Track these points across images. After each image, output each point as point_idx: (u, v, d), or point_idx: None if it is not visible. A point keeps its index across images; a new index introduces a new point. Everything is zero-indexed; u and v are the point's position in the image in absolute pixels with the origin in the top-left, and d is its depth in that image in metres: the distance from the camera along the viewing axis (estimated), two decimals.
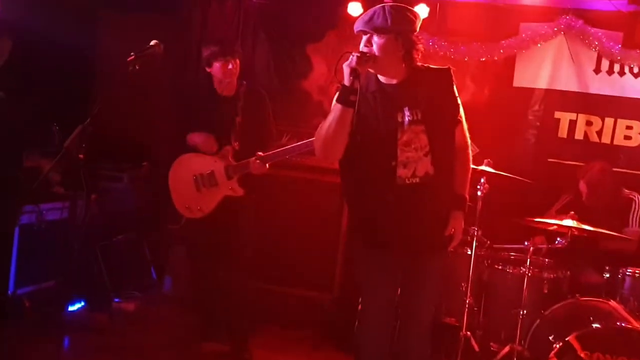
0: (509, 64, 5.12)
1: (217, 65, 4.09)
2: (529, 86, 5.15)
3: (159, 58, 3.02)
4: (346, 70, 2.59)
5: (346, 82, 2.59)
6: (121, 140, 5.43)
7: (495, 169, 4.22)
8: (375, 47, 2.69)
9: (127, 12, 5.71)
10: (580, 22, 4.88)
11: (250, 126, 4.17)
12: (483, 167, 4.16)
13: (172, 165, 4.28)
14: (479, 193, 4.11)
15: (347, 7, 5.15)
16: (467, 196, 2.95)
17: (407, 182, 2.74)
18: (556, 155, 5.10)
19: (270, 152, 4.07)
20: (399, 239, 2.80)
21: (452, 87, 2.83)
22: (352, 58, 2.60)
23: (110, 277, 4.98)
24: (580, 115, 5.04)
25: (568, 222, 3.89)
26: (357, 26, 2.77)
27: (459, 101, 2.86)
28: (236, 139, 4.14)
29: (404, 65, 2.79)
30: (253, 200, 4.20)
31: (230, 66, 4.09)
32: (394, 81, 2.79)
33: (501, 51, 5.02)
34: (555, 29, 4.94)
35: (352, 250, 3.17)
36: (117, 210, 5.29)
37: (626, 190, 4.52)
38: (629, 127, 4.94)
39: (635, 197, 4.46)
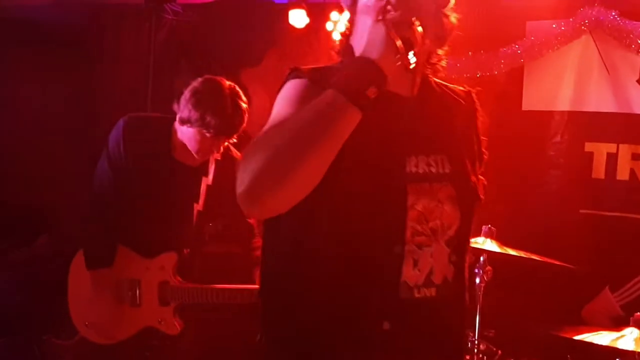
0: (516, 79, 4.40)
1: (193, 132, 2.88)
2: (545, 109, 4.48)
3: None
4: (383, 33, 1.48)
5: (377, 55, 1.47)
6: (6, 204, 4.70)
7: (502, 243, 3.18)
8: None
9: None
10: (613, 13, 4.06)
11: (220, 215, 3.12)
12: (481, 240, 3.13)
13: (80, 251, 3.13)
14: (477, 280, 3.06)
15: (287, 17, 4.41)
16: None
17: (417, 295, 1.64)
18: (592, 205, 4.33)
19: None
20: None
21: (478, 125, 1.87)
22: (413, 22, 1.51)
23: None
24: (622, 146, 4.30)
25: None
26: None
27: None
28: (190, 239, 3.06)
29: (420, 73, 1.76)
30: (192, 344, 3.12)
31: (215, 150, 2.96)
32: (404, 93, 1.71)
33: (502, 62, 4.29)
34: (577, 26, 4.15)
35: None
36: None
37: None
38: None
39: None
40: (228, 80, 3.06)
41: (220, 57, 4.75)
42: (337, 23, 4.23)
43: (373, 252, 1.59)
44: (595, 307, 3.85)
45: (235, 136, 2.92)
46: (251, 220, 3.15)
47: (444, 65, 1.76)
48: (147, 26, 4.78)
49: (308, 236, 1.60)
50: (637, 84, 4.22)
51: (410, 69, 1.47)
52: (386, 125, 1.63)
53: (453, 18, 1.69)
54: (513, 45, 4.26)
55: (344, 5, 1.74)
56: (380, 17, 1.49)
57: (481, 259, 3.07)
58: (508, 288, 3.49)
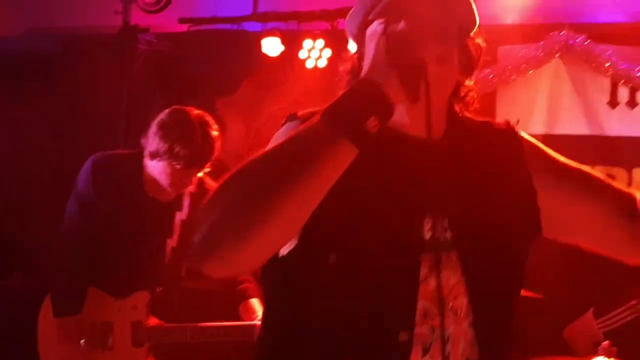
0: (489, 103, 4.32)
1: (163, 166, 2.76)
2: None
3: None
4: (381, 51, 1.19)
5: (381, 77, 1.15)
6: None
7: None
8: None
9: None
10: (582, 37, 4.11)
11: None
12: None
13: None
14: None
15: (260, 46, 4.36)
16: None
17: None
18: None
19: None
20: None
21: (529, 174, 1.38)
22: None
23: None
24: (595, 168, 4.02)
25: None
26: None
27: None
28: (164, 276, 2.94)
29: (445, 109, 1.37)
30: None
31: (187, 182, 2.83)
32: (420, 135, 1.29)
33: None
34: (547, 50, 4.19)
35: None
36: None
37: None
38: None
39: None
40: (203, 110, 2.97)
41: (195, 86, 4.65)
42: (310, 51, 4.20)
43: (373, 339, 1.23)
44: (577, 330, 3.79)
45: (207, 166, 2.81)
46: None
47: (474, 97, 1.39)
48: (120, 57, 4.67)
49: (297, 307, 1.27)
50: (607, 106, 4.25)
51: (425, 102, 1.18)
52: (395, 175, 1.27)
53: (481, 42, 1.35)
54: (485, 70, 4.15)
55: (349, 35, 1.42)
56: (385, 31, 1.18)
57: None
58: None
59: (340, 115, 1.10)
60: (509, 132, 1.41)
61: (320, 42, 4.18)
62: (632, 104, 4.21)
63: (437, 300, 1.21)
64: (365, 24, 1.28)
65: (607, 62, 4.07)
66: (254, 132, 4.54)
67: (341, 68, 1.42)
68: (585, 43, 4.08)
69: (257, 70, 4.48)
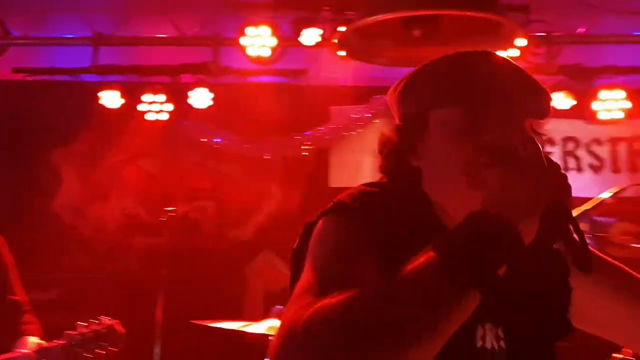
0: (323, 159, 4.52)
1: None
2: (349, 185, 4.15)
3: None
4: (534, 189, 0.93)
5: (521, 215, 0.92)
6: None
7: None
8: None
9: None
10: None
11: None
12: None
13: None
14: None
15: (99, 98, 4.23)
16: None
17: None
18: None
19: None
20: None
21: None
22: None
23: None
24: None
25: None
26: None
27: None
28: None
29: None
30: None
31: None
32: None
33: (308, 143, 4.44)
34: (372, 111, 4.41)
35: None
36: None
37: None
38: None
39: None
40: (39, 160, 2.85)
41: (30, 137, 4.46)
42: (151, 104, 4.13)
43: None
44: None
45: None
46: (16, 297, 2.87)
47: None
48: None
49: None
50: None
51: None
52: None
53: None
54: (318, 128, 4.40)
55: (393, 110, 1.21)
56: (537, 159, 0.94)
57: None
58: None
59: (468, 267, 0.89)
60: (558, 255, 1.23)
61: (162, 97, 4.14)
62: None
63: None
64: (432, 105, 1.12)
65: None
66: (92, 184, 4.40)
67: (384, 131, 1.21)
68: None
69: (96, 122, 4.34)
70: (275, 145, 4.44)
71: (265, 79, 4.44)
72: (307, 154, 4.45)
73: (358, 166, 4.45)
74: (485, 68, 1.11)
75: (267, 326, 2.95)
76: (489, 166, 0.96)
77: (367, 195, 1.14)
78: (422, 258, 0.90)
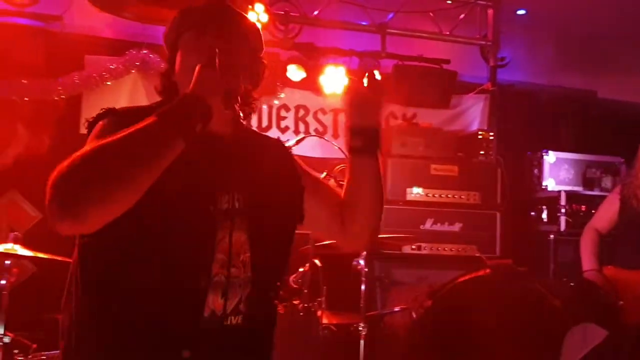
0: (75, 105, 4.47)
1: None
2: None
3: None
4: (213, 78, 1.51)
5: (207, 95, 1.49)
6: None
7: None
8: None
9: None
10: (158, 57, 4.39)
11: None
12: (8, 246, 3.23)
13: None
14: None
15: None
16: None
17: (225, 323, 1.59)
18: None
19: None
20: None
21: (297, 167, 1.83)
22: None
23: None
24: None
25: None
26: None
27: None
28: None
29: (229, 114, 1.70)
30: None
31: None
32: (219, 132, 1.66)
33: (61, 89, 4.36)
34: (127, 64, 4.47)
35: None
36: None
37: None
38: None
39: None
40: None
41: None
42: None
43: (180, 283, 1.53)
44: None
45: None
46: None
47: (256, 105, 1.75)
48: None
49: (119, 261, 1.52)
50: None
51: (229, 110, 1.53)
52: (201, 161, 1.58)
53: (264, 61, 1.74)
54: (72, 74, 4.40)
55: (165, 43, 1.68)
56: (210, 63, 1.49)
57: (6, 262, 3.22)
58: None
59: (177, 120, 1.44)
60: (280, 143, 1.89)
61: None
62: None
63: (229, 254, 1.57)
64: (178, 36, 1.63)
65: None
66: None
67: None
68: (161, 62, 4.19)
69: None
70: (25, 88, 4.34)
71: (20, 20, 4.35)
72: (58, 98, 4.40)
73: None
74: (210, 8, 1.67)
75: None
76: (203, 65, 1.49)
77: (136, 106, 1.68)
78: (149, 119, 1.42)
